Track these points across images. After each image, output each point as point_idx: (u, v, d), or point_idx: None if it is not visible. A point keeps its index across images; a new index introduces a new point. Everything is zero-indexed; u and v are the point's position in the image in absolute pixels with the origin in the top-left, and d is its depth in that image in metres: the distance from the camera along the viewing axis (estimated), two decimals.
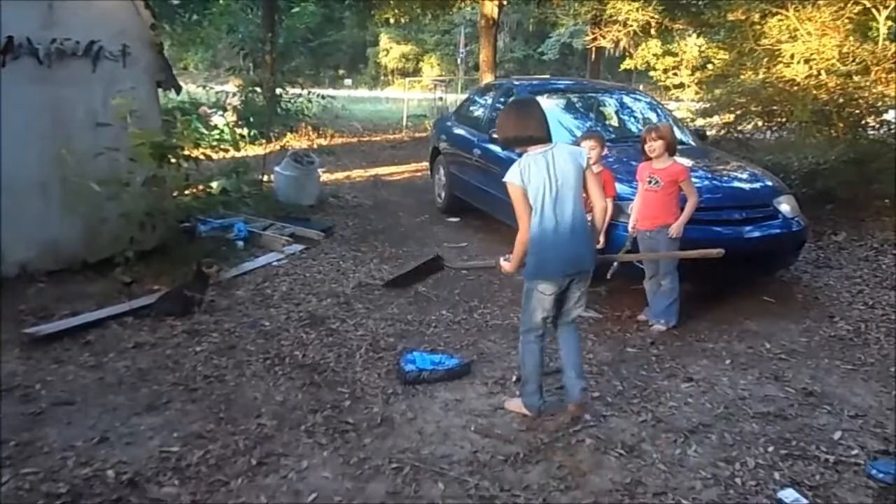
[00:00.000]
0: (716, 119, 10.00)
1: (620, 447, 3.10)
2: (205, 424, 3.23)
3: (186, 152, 5.36)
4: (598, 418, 3.36)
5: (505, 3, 14.94)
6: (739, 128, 9.44)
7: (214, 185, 7.23)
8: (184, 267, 5.05)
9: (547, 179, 3.09)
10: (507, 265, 3.34)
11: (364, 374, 3.84)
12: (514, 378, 3.77)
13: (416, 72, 36.66)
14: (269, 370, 3.86)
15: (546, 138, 3.17)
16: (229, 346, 4.16)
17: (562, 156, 3.14)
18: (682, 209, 4.56)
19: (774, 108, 8.70)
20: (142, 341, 4.14)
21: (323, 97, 11.78)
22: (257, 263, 5.78)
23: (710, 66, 11.54)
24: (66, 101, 5.09)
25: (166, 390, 3.56)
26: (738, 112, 9.24)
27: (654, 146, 4.57)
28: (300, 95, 10.26)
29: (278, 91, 10.84)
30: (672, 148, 4.66)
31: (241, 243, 6.15)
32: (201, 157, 5.55)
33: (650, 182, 4.60)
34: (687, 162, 5.27)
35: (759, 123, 9.37)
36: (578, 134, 6.18)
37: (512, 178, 3.12)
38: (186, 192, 5.74)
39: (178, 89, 6.13)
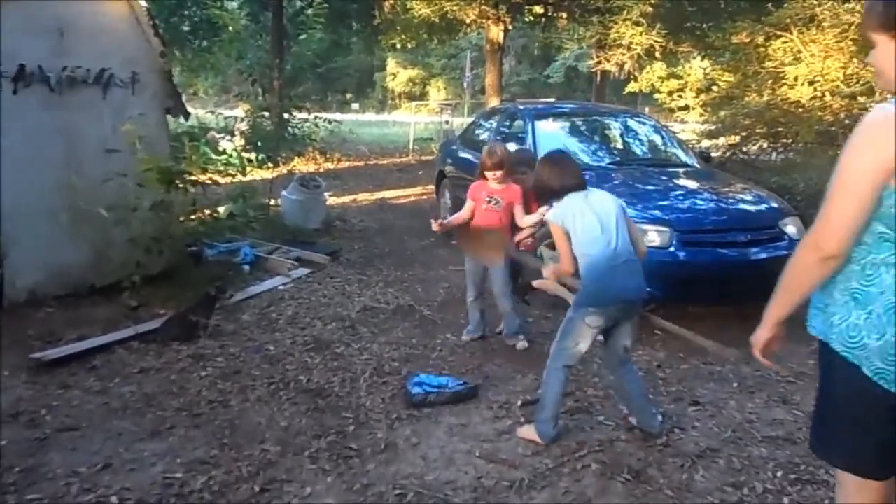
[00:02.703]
0: (721, 140, 10.04)
1: (627, 472, 3.07)
2: (208, 450, 3.22)
3: (194, 177, 5.41)
4: (605, 443, 3.33)
5: (510, 27, 15.06)
6: (745, 149, 9.48)
7: (222, 209, 7.28)
8: (190, 291, 5.07)
9: (593, 216, 3.22)
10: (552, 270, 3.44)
11: (368, 398, 3.83)
12: (518, 402, 3.75)
13: (423, 95, 36.95)
14: (273, 395, 3.85)
15: (583, 186, 3.35)
16: (234, 370, 4.16)
17: (598, 197, 3.34)
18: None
19: (780, 129, 8.74)
20: (147, 366, 4.15)
21: (330, 122, 11.88)
22: (263, 287, 5.80)
23: (715, 88, 11.59)
24: (76, 128, 5.15)
25: (170, 416, 3.55)
26: (744, 133, 9.29)
27: (496, 174, 4.47)
28: (307, 120, 10.36)
29: (286, 116, 10.95)
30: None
31: (247, 267, 6.17)
32: (208, 181, 5.60)
33: (489, 202, 4.54)
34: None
35: (765, 145, 9.40)
36: (585, 158, 6.21)
37: (554, 218, 3.29)
38: (193, 216, 5.78)
39: (187, 115, 6.20)
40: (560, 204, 3.30)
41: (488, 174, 4.52)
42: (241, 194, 6.83)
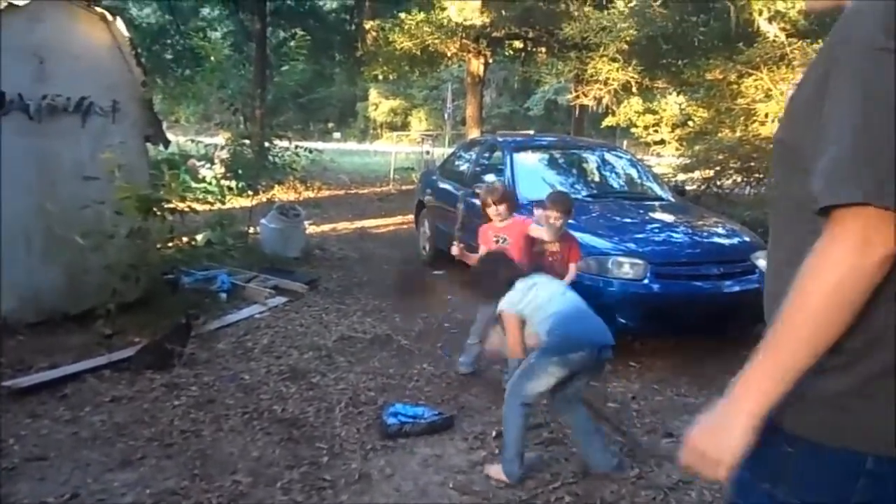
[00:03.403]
0: (696, 174, 10.23)
1: None
2: (179, 481, 3.19)
3: (172, 205, 5.40)
4: (579, 475, 3.34)
5: (490, 61, 15.30)
6: (719, 183, 9.65)
7: (200, 237, 7.26)
8: (166, 319, 5.04)
9: (541, 289, 3.34)
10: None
11: (343, 429, 3.82)
12: (493, 433, 3.76)
13: (405, 126, 37.20)
14: (247, 425, 3.83)
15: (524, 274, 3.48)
16: (208, 399, 4.13)
17: (543, 281, 3.44)
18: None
19: (752, 164, 8.93)
20: (119, 395, 4.10)
21: (311, 151, 11.92)
22: (240, 316, 5.77)
23: (690, 124, 11.83)
24: (55, 155, 5.14)
25: (141, 445, 3.52)
26: (717, 168, 9.48)
27: (499, 210, 4.46)
28: (288, 149, 10.40)
29: (267, 144, 10.97)
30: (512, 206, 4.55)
31: (224, 295, 6.15)
32: (186, 209, 5.59)
33: (497, 241, 4.49)
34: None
35: (738, 179, 9.59)
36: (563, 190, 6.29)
37: (508, 307, 3.33)
38: (171, 244, 5.76)
39: (167, 144, 6.21)
40: (509, 293, 3.34)
41: (490, 212, 4.51)
42: (219, 222, 6.81)
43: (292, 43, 10.51)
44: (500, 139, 8.04)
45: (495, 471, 3.35)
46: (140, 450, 3.47)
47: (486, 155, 7.72)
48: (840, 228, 1.05)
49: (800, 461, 1.17)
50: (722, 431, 1.15)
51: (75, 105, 5.22)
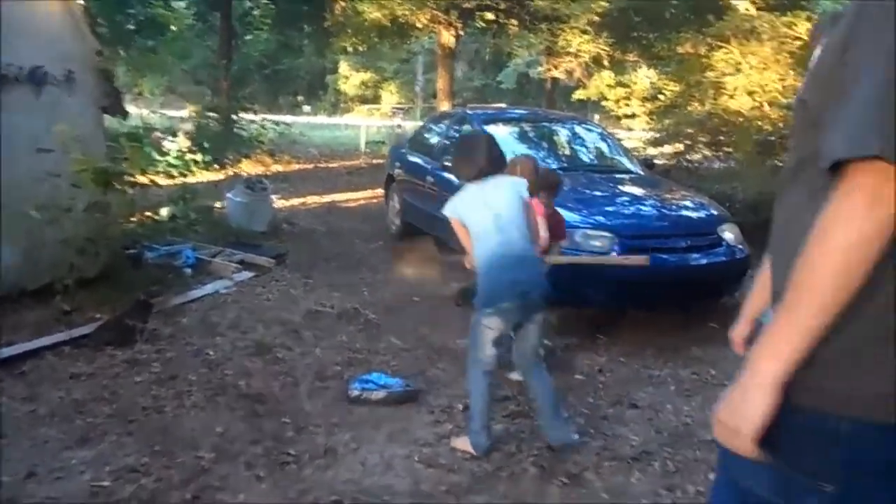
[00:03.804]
0: (666, 148, 10.25)
1: (564, 476, 3.09)
2: (139, 458, 3.13)
3: (132, 178, 5.26)
4: (543, 448, 3.34)
5: (462, 33, 15.13)
6: (688, 157, 9.68)
7: (163, 211, 7.12)
8: (128, 295, 4.93)
9: (486, 210, 3.19)
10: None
11: (309, 403, 3.78)
12: (459, 406, 3.75)
13: (376, 99, 36.81)
14: (210, 400, 3.77)
15: (486, 173, 3.25)
16: (170, 376, 4.05)
17: (495, 186, 3.24)
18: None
19: (721, 138, 8.96)
20: (78, 372, 4.01)
21: (278, 123, 11.75)
22: (204, 291, 5.67)
23: (660, 97, 11.84)
24: (8, 127, 4.96)
25: (101, 423, 3.44)
26: (687, 142, 9.50)
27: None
28: (252, 121, 10.23)
29: (233, 117, 10.77)
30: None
31: (188, 270, 6.04)
32: (148, 182, 5.46)
33: None
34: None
35: (707, 153, 9.63)
36: None
37: (450, 212, 3.28)
38: (133, 218, 5.63)
39: (125, 115, 6.05)
40: (456, 196, 3.31)
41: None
42: (182, 196, 6.67)
43: (256, 12, 10.28)
44: (469, 112, 7.96)
45: (462, 443, 3.33)
46: (100, 427, 3.40)
47: (456, 128, 7.65)
48: (851, 185, 1.02)
49: (786, 427, 1.14)
50: (744, 403, 1.12)
51: (28, 74, 5.03)
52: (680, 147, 9.84)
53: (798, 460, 1.14)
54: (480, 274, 3.20)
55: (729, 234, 5.34)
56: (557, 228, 4.31)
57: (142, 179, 5.47)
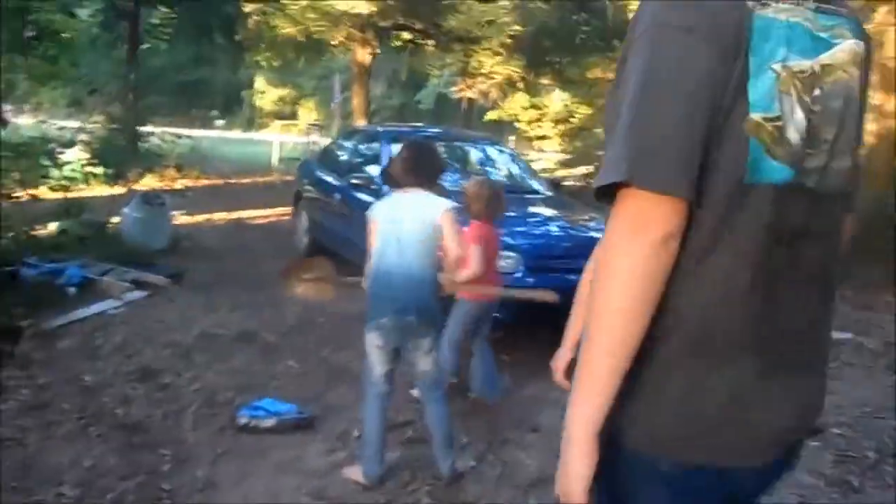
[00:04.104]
0: (578, 170, 10.44)
1: None
2: None
3: (9, 192, 4.89)
4: (439, 476, 3.19)
5: (378, 51, 15.05)
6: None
7: (52, 225, 6.68)
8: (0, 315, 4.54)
9: (390, 224, 3.05)
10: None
11: (193, 433, 3.53)
12: (355, 433, 3.58)
13: (294, 115, 36.24)
14: (82, 431, 3.46)
15: (412, 184, 3.10)
16: (40, 403, 3.72)
17: (412, 203, 3.07)
18: None
19: None
20: None
21: (179, 136, 11.34)
22: (89, 312, 5.29)
23: (572, 120, 12.08)
24: None
25: None
26: (596, 164, 9.67)
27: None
28: (152, 134, 9.80)
29: (138, 129, 10.34)
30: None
31: (73, 289, 5.63)
32: (28, 196, 5.07)
33: None
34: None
35: None
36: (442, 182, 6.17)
37: (370, 213, 3.16)
38: (10, 233, 5.22)
39: (4, 124, 5.63)
40: (382, 200, 3.23)
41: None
42: (67, 210, 6.26)
43: (161, 21, 9.91)
44: (379, 129, 7.86)
45: (353, 472, 3.16)
46: None
47: (366, 145, 7.51)
48: (616, 212, 1.01)
49: (612, 465, 1.08)
50: (566, 467, 1.06)
51: None
52: (590, 168, 10.03)
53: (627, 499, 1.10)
54: (369, 287, 3.09)
55: None
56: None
57: (23, 194, 5.09)
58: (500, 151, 7.77)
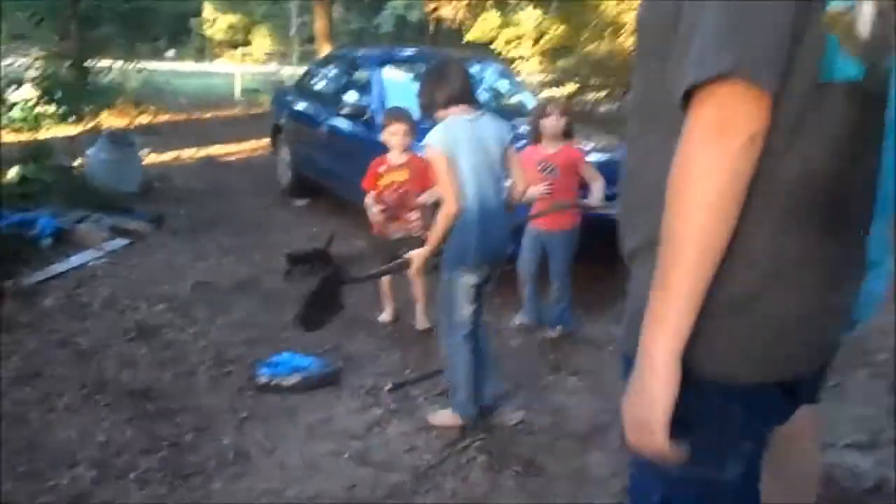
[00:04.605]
0: (561, 90, 10.04)
1: (516, 463, 2.73)
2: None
3: None
4: (488, 429, 2.96)
5: None
6: (583, 99, 9.52)
7: (12, 172, 6.15)
8: None
9: (471, 150, 2.75)
10: (422, 253, 2.94)
11: (209, 396, 3.24)
12: (387, 387, 3.32)
13: (247, 43, 34.70)
14: (86, 401, 3.15)
15: (470, 101, 2.85)
16: (34, 372, 3.38)
17: (488, 127, 2.84)
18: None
19: (615, 77, 8.80)
20: None
21: (139, 70, 10.59)
22: (70, 265, 4.89)
23: (545, 38, 11.54)
24: None
25: None
26: (580, 84, 9.31)
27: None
28: (110, 68, 9.10)
29: (87, 64, 9.62)
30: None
31: (48, 241, 5.19)
32: None
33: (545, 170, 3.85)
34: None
35: (601, 95, 9.49)
36: None
37: (435, 141, 2.73)
38: None
39: None
40: (442, 126, 2.77)
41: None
42: (32, 155, 5.72)
43: None
44: (359, 53, 7.34)
45: (441, 418, 2.97)
46: None
47: (347, 71, 7.01)
48: (695, 118, 0.91)
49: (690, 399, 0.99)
50: (644, 393, 0.98)
51: None
52: (573, 88, 9.65)
53: (713, 429, 1.04)
54: (456, 228, 2.75)
55: None
56: (425, 176, 3.63)
57: None
58: (492, 68, 7.35)
